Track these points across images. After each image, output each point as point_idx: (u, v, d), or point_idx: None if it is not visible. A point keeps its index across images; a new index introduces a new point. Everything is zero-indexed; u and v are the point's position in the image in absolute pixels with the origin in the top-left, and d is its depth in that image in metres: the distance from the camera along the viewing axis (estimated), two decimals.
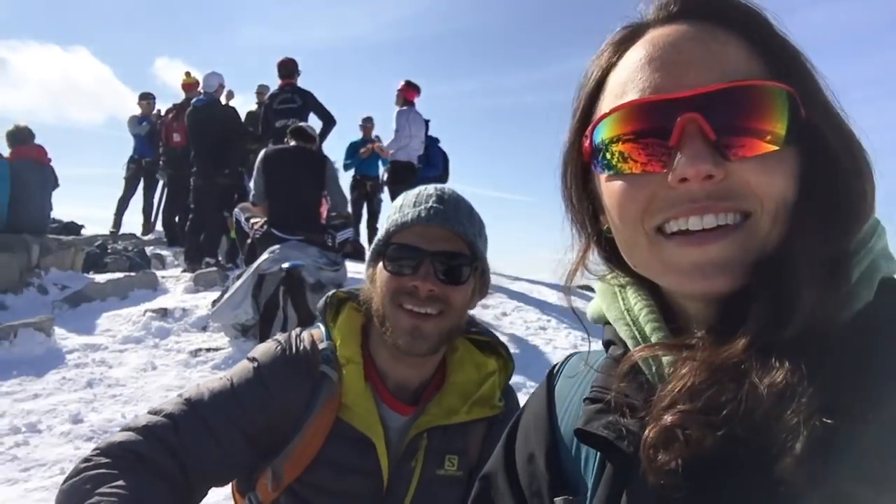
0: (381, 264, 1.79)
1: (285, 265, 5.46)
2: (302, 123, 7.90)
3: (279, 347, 1.80)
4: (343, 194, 7.65)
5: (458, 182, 11.84)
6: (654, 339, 0.89)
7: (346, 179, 12.18)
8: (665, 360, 0.84)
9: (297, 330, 1.90)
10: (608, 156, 0.86)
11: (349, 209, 9.58)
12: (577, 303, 1.03)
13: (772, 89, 0.80)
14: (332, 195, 7.36)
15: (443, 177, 11.58)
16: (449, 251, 1.74)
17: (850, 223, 0.80)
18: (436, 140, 11.54)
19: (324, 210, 7.42)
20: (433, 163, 11.28)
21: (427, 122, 11.04)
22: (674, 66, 0.82)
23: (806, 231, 0.78)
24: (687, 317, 0.90)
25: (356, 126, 13.20)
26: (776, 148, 0.79)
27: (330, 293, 1.92)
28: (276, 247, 6.57)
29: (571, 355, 1.20)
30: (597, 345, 1.05)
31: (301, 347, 1.80)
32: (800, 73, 0.83)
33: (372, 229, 12.10)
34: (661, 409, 0.77)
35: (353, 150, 12.44)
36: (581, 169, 0.96)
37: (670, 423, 0.75)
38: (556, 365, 1.19)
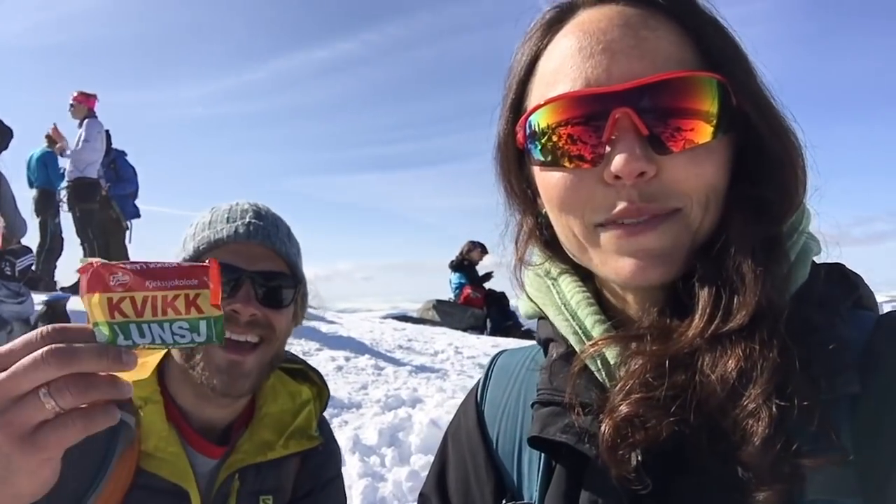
0: None
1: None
2: None
3: None
4: (21, 217, 6.71)
5: (144, 202, 10.83)
6: (596, 333, 0.88)
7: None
8: (611, 353, 0.84)
9: None
10: (542, 147, 0.85)
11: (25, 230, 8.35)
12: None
13: (702, 79, 0.79)
14: (7, 217, 6.41)
15: (136, 193, 10.73)
16: (271, 271, 1.57)
17: (782, 208, 0.80)
18: (123, 153, 10.64)
19: None
20: (126, 177, 10.38)
21: (108, 132, 10.11)
22: (604, 55, 0.80)
23: (740, 218, 0.79)
24: (624, 304, 0.91)
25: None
26: (708, 140, 0.78)
27: None
28: None
29: (498, 356, 1.18)
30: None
31: None
32: (731, 59, 0.81)
33: (51, 252, 10.56)
34: (617, 403, 0.77)
35: (42, 163, 10.46)
36: (516, 153, 0.93)
37: (626, 413, 0.76)
38: (486, 368, 1.16)
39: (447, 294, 14.01)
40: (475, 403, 1.11)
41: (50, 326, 0.80)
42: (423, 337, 10.06)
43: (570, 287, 0.95)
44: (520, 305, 1.06)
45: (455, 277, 13.78)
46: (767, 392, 0.69)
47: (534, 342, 1.12)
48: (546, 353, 1.00)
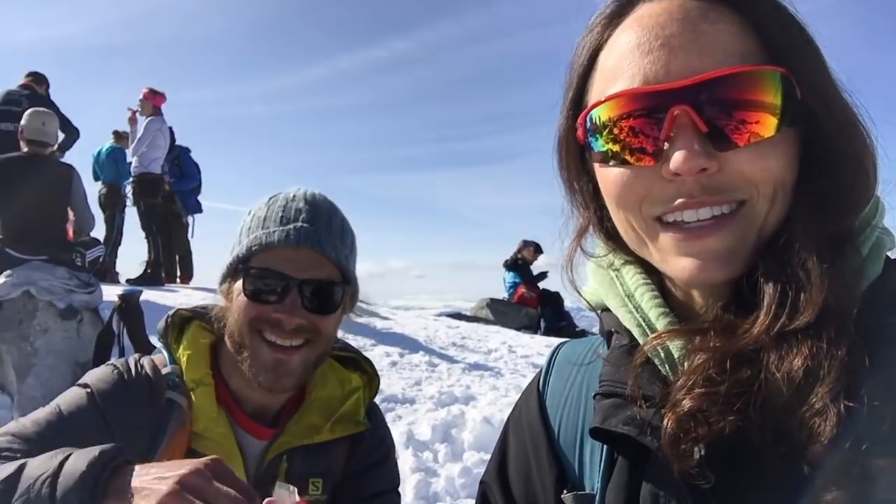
0: (238, 284, 1.58)
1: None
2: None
3: (116, 372, 1.58)
4: (90, 211, 6.92)
5: (206, 198, 10.78)
6: (660, 326, 0.87)
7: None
8: (674, 347, 0.83)
9: (136, 356, 1.67)
10: (602, 143, 0.85)
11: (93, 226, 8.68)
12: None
13: (764, 73, 0.77)
14: (77, 212, 6.63)
15: (199, 188, 11.03)
16: (320, 279, 1.57)
17: (850, 203, 0.78)
18: (187, 150, 10.97)
19: (70, 226, 6.66)
20: (189, 173, 10.70)
21: (171, 129, 10.42)
22: (662, 51, 0.79)
23: (805, 213, 0.77)
24: (689, 297, 0.90)
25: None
26: (771, 134, 0.77)
27: (171, 312, 1.71)
28: (15, 269, 5.77)
29: (560, 346, 1.16)
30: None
31: (142, 372, 1.58)
32: (796, 51, 0.79)
33: (115, 245, 10.94)
34: (679, 397, 0.76)
35: (111, 158, 10.99)
36: (577, 147, 0.93)
37: (689, 408, 0.75)
38: (548, 358, 1.15)
39: (501, 293, 13.95)
40: (537, 393, 1.11)
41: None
42: (476, 335, 10.02)
43: (633, 278, 0.94)
44: (583, 296, 1.04)
45: (509, 276, 13.71)
46: (835, 391, 0.67)
47: (595, 335, 1.11)
48: (609, 344, 0.99)
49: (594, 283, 1.01)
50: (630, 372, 0.86)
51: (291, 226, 1.57)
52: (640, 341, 0.89)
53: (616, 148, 0.83)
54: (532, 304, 13.19)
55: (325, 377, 1.76)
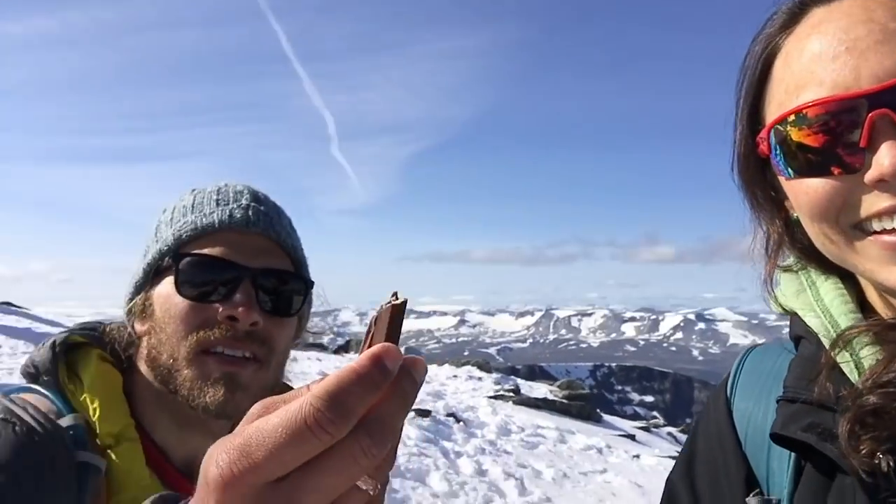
0: (164, 287, 1.21)
1: None
2: None
3: (14, 428, 1.04)
4: None
5: None
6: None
7: None
8: (865, 353, 0.80)
9: (9, 397, 1.13)
10: (792, 157, 0.82)
11: None
12: None
13: None
14: None
15: None
16: (277, 269, 1.25)
17: None
18: None
19: None
20: None
21: None
22: (849, 55, 0.75)
23: None
24: (884, 305, 0.87)
25: None
26: None
27: (59, 336, 1.22)
28: None
29: (750, 350, 1.11)
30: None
31: (42, 426, 1.06)
32: None
33: None
34: (864, 390, 0.73)
35: None
36: (757, 161, 0.91)
37: (873, 403, 0.72)
38: (737, 363, 1.10)
39: None
40: (725, 397, 1.07)
41: None
42: None
43: (825, 286, 0.91)
44: (770, 302, 1.03)
45: None
46: None
47: (780, 340, 1.10)
48: (797, 349, 0.97)
49: (783, 287, 0.99)
50: (814, 378, 0.83)
51: (234, 205, 1.26)
52: (827, 345, 0.86)
53: (810, 160, 0.80)
54: None
55: None
